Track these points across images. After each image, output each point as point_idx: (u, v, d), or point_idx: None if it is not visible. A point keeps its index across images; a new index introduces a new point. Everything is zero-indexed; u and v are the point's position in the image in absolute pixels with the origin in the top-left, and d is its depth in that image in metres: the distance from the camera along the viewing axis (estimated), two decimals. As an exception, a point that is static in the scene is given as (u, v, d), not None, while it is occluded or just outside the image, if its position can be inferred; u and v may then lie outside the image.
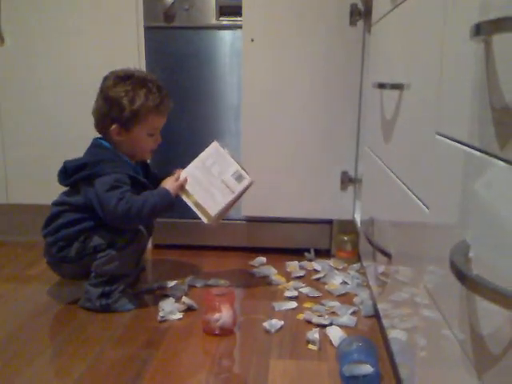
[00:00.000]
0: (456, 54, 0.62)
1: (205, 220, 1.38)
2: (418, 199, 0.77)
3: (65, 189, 1.41)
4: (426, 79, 0.77)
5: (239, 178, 1.39)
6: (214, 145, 1.43)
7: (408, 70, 0.90)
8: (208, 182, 1.39)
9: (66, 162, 1.38)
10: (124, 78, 1.37)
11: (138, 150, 1.42)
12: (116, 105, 1.35)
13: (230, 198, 1.38)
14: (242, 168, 1.40)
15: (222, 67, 1.73)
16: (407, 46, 0.92)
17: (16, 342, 1.20)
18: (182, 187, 1.39)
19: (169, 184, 1.38)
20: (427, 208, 0.72)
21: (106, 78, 1.39)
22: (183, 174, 1.41)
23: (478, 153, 0.53)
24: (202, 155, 1.42)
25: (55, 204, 1.40)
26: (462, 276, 0.44)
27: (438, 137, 0.67)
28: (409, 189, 0.84)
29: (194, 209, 1.38)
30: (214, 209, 1.37)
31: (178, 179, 1.39)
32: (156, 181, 1.45)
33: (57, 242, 1.35)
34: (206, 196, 1.38)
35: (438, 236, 0.66)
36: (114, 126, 1.36)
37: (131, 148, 1.41)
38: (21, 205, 1.88)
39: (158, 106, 1.38)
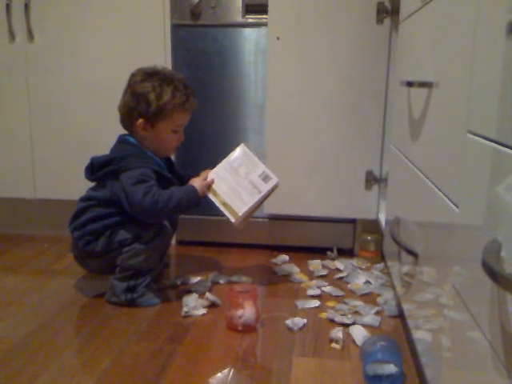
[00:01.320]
0: (488, 52, 0.61)
1: (232, 219, 1.39)
2: (447, 198, 0.76)
3: (91, 185, 1.44)
4: (456, 77, 0.76)
5: (266, 179, 1.40)
6: (241, 147, 1.45)
7: (437, 68, 0.89)
8: (235, 183, 1.40)
9: (92, 158, 1.41)
10: (151, 74, 1.39)
11: (161, 145, 1.44)
12: (143, 100, 1.37)
13: (257, 197, 1.39)
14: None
15: (246, 65, 1.73)
16: (436, 44, 0.91)
17: (43, 335, 1.23)
18: (209, 187, 1.40)
19: (196, 183, 1.39)
20: (457, 207, 0.71)
21: (133, 75, 1.42)
22: (211, 174, 1.42)
23: (509, 151, 0.52)
24: (230, 157, 1.44)
25: (82, 199, 1.42)
26: (495, 275, 0.44)
27: (468, 135, 0.66)
28: (437, 188, 0.83)
29: (222, 208, 1.39)
30: (241, 208, 1.38)
31: (205, 179, 1.40)
32: (181, 179, 1.47)
33: (83, 237, 1.37)
34: (233, 196, 1.39)
35: (468, 235, 0.66)
36: (140, 121, 1.38)
37: (155, 144, 1.42)
38: (48, 200, 1.91)
39: (184, 103, 1.40)
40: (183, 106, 1.40)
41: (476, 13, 0.66)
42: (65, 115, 1.83)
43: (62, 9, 1.76)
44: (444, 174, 0.81)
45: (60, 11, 1.77)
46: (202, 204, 1.40)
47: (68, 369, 1.09)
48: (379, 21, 1.57)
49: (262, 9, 1.64)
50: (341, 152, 1.66)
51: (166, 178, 1.41)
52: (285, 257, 1.74)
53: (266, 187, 1.40)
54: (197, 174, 1.46)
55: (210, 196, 1.40)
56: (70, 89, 1.81)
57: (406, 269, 1.12)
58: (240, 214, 1.38)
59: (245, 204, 1.39)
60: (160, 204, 1.31)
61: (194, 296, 1.40)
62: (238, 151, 1.45)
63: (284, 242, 1.82)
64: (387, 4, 1.55)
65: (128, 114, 1.40)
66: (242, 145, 1.46)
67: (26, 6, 1.76)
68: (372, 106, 1.62)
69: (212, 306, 1.37)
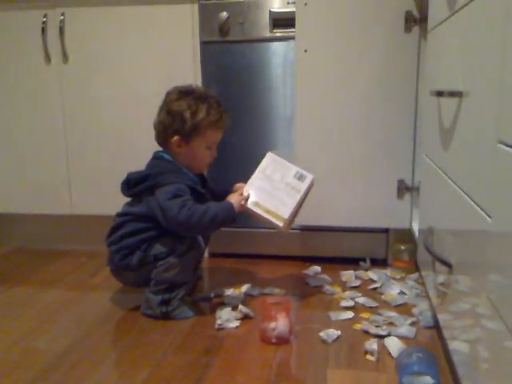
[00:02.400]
0: (518, 61, 0.61)
1: (279, 224, 1.38)
2: (480, 208, 0.76)
3: (126, 200, 1.47)
4: (485, 86, 0.76)
5: (301, 178, 1.43)
6: (269, 155, 1.48)
7: (467, 77, 0.89)
8: (273, 189, 1.42)
9: (129, 174, 1.45)
10: (187, 93, 1.43)
11: (195, 162, 1.47)
12: (178, 117, 1.40)
13: (298, 197, 1.41)
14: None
15: (275, 79, 1.75)
16: (466, 53, 0.91)
17: (81, 348, 1.26)
18: (246, 201, 1.41)
19: (233, 198, 1.41)
20: (489, 217, 0.71)
21: (169, 93, 1.46)
22: (247, 187, 1.43)
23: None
24: (261, 166, 1.46)
25: (119, 215, 1.46)
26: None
27: (499, 145, 0.66)
28: (470, 197, 0.83)
29: (267, 216, 1.39)
30: (286, 211, 1.39)
31: (241, 194, 1.42)
32: (215, 194, 1.50)
33: (120, 251, 1.41)
34: (275, 201, 1.40)
35: (502, 245, 0.65)
36: (175, 138, 1.41)
37: (189, 160, 1.45)
38: (84, 215, 1.97)
39: (218, 120, 1.43)
40: (217, 124, 1.44)
41: (505, 21, 0.66)
42: (99, 132, 1.89)
43: (94, 30, 1.82)
44: (476, 184, 0.80)
45: (92, 32, 1.83)
46: (238, 220, 1.41)
47: (106, 381, 1.11)
48: (407, 29, 1.57)
49: (289, 22, 1.66)
50: (372, 161, 1.66)
51: (201, 193, 1.44)
52: (317, 268, 1.73)
53: (303, 186, 1.43)
54: (231, 190, 1.47)
55: (252, 207, 1.40)
56: (104, 107, 1.86)
57: (440, 279, 1.10)
58: (286, 217, 1.39)
59: (288, 206, 1.40)
60: (195, 217, 1.33)
61: (227, 308, 1.41)
62: (266, 159, 1.47)
63: (316, 253, 1.82)
64: (415, 13, 1.55)
65: (163, 131, 1.44)
66: (270, 152, 1.48)
67: (61, 29, 1.82)
68: (402, 114, 1.61)
69: (245, 318, 1.38)
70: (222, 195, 1.46)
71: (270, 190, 1.42)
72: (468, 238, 0.86)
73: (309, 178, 1.44)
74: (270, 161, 1.47)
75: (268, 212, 1.39)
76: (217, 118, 1.43)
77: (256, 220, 1.43)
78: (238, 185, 1.47)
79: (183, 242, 1.39)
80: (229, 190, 1.47)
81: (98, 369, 1.16)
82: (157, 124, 1.46)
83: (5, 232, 2.12)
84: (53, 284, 1.68)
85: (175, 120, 1.41)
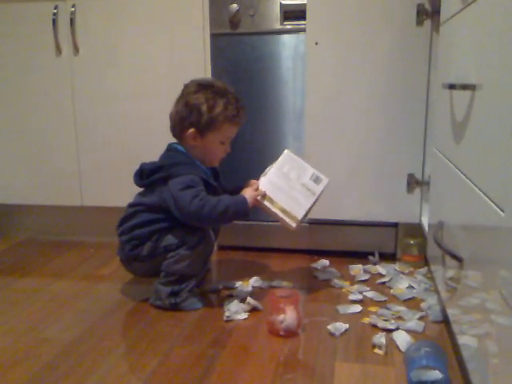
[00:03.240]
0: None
1: (292, 224, 1.39)
2: (492, 202, 0.75)
3: (136, 192, 1.48)
4: (499, 79, 0.75)
5: (317, 180, 1.43)
6: (287, 153, 1.47)
7: (480, 70, 0.88)
8: (289, 187, 1.42)
9: (142, 164, 1.46)
10: (205, 86, 1.43)
11: (208, 155, 1.47)
12: (195, 110, 1.40)
13: (313, 199, 1.42)
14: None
15: (285, 71, 1.74)
16: (479, 46, 0.90)
17: (91, 339, 1.27)
18: (262, 197, 1.41)
19: (247, 193, 1.40)
20: (502, 211, 0.70)
21: (187, 86, 1.46)
22: (263, 183, 1.43)
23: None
24: (278, 163, 1.46)
25: (131, 205, 1.47)
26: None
27: (513, 138, 0.65)
28: (482, 191, 0.82)
29: (281, 215, 1.40)
30: (299, 212, 1.40)
31: (256, 190, 1.41)
32: (226, 190, 1.50)
33: (130, 241, 1.41)
34: (289, 201, 1.41)
35: (515, 240, 0.64)
36: (191, 130, 1.42)
37: (203, 153, 1.46)
38: (94, 207, 1.98)
39: (235, 116, 1.43)
40: (233, 119, 1.43)
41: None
42: (109, 124, 1.89)
43: (105, 22, 1.82)
44: (488, 178, 0.80)
45: (103, 24, 1.83)
46: (250, 214, 1.41)
47: (115, 371, 1.12)
48: (419, 23, 1.55)
49: (300, 15, 1.65)
50: (381, 155, 1.65)
51: (212, 186, 1.44)
52: (325, 261, 1.73)
53: (319, 188, 1.43)
54: (244, 185, 1.47)
55: (267, 204, 1.41)
56: (114, 99, 1.87)
57: (450, 273, 1.10)
58: (299, 218, 1.39)
59: (302, 207, 1.40)
60: (207, 208, 1.33)
61: (236, 301, 1.42)
62: (284, 157, 1.47)
63: (324, 247, 1.82)
64: (427, 6, 1.54)
65: (179, 123, 1.44)
66: (287, 150, 1.48)
67: (71, 21, 1.82)
68: (413, 108, 1.60)
69: (253, 310, 1.39)
70: (234, 191, 1.46)
71: (286, 189, 1.42)
72: (479, 233, 0.85)
73: (324, 181, 1.44)
74: (287, 159, 1.46)
75: (283, 211, 1.40)
76: (234, 114, 1.42)
77: (267, 215, 1.43)
78: (253, 181, 1.46)
79: (194, 234, 1.39)
80: (241, 187, 1.46)
81: (106, 359, 1.17)
82: (173, 115, 1.45)
83: (15, 223, 2.14)
84: (62, 275, 1.69)
85: (192, 112, 1.41)
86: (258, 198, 1.40)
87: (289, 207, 1.40)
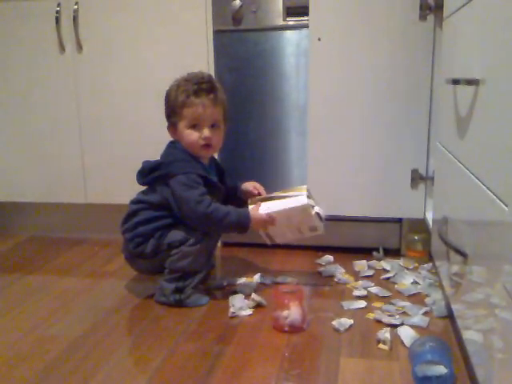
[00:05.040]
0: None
1: (268, 242, 1.51)
2: (496, 197, 0.75)
3: (140, 188, 1.48)
4: (503, 74, 0.75)
5: (313, 229, 1.46)
6: (305, 206, 1.41)
7: (484, 65, 0.87)
8: (286, 228, 1.46)
9: (143, 162, 1.46)
10: (182, 77, 1.45)
11: (188, 146, 1.44)
12: (165, 103, 1.45)
13: (298, 237, 1.50)
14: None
15: (288, 67, 1.74)
16: (483, 41, 0.89)
17: (96, 335, 1.27)
18: (270, 223, 1.43)
19: (257, 217, 1.40)
20: (506, 206, 0.70)
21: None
22: (271, 213, 1.42)
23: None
24: (291, 208, 1.41)
25: (133, 202, 1.47)
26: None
27: (517, 133, 0.65)
28: (486, 186, 0.82)
29: (262, 234, 1.47)
30: (280, 240, 1.51)
31: (268, 219, 1.41)
32: (229, 190, 1.53)
33: (134, 239, 1.42)
34: (278, 232, 1.47)
35: (519, 234, 0.64)
36: (167, 125, 1.46)
37: (185, 146, 1.44)
38: (98, 204, 1.98)
39: (187, 98, 1.40)
40: (187, 102, 1.40)
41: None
42: (113, 121, 1.89)
43: (108, 19, 1.83)
44: (492, 173, 0.80)
45: (106, 21, 1.83)
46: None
47: (121, 368, 1.13)
48: (422, 17, 1.55)
49: (303, 11, 1.64)
50: (385, 151, 1.65)
51: (212, 182, 1.44)
52: (329, 257, 1.73)
53: (309, 234, 1.49)
54: (245, 189, 1.52)
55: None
56: (118, 96, 1.87)
57: (455, 269, 1.10)
58: (277, 242, 1.51)
59: (285, 239, 1.50)
60: (213, 218, 1.36)
61: (240, 297, 1.42)
62: (300, 206, 1.41)
63: (329, 243, 1.81)
64: (430, 0, 1.53)
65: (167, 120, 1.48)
66: (307, 202, 1.40)
67: (74, 18, 1.83)
68: (417, 103, 1.60)
69: (258, 306, 1.39)
70: (233, 191, 1.51)
71: (282, 227, 1.45)
72: (484, 228, 0.85)
73: (319, 232, 1.47)
74: (302, 209, 1.41)
75: (267, 235, 1.48)
76: (184, 96, 1.40)
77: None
78: (254, 185, 1.50)
79: (197, 230, 1.39)
80: (240, 187, 1.51)
81: (112, 356, 1.17)
82: None
83: (20, 221, 2.14)
84: (67, 272, 1.70)
85: (164, 107, 1.45)
86: (264, 227, 1.43)
87: (274, 236, 1.48)
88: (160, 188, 1.41)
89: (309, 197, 1.43)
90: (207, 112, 1.41)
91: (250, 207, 1.44)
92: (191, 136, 1.42)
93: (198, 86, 1.41)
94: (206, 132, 1.42)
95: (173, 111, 1.42)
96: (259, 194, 1.52)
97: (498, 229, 0.74)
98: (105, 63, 1.86)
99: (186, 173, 1.38)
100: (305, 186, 1.48)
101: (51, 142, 1.96)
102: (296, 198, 1.43)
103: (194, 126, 1.42)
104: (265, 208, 1.43)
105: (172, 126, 1.45)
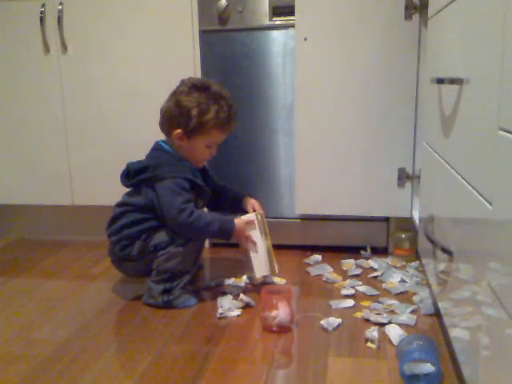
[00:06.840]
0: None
1: (265, 271, 1.50)
2: (480, 195, 0.76)
3: (126, 190, 1.47)
4: (486, 73, 0.75)
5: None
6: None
7: (467, 64, 0.88)
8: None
9: (128, 164, 1.45)
10: (200, 88, 1.40)
11: (193, 157, 1.46)
12: (185, 113, 1.38)
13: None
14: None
15: (275, 67, 1.74)
16: (466, 40, 0.90)
17: (83, 338, 1.26)
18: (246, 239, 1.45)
19: (241, 228, 1.42)
20: (490, 204, 0.71)
21: (183, 82, 1.44)
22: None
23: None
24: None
25: (118, 205, 1.46)
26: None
27: (500, 132, 0.66)
28: (470, 185, 0.83)
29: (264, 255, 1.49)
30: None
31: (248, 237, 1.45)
32: (215, 189, 1.54)
33: (120, 241, 1.41)
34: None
35: (503, 232, 0.65)
36: (178, 131, 1.40)
37: (188, 154, 1.45)
38: (85, 206, 1.97)
39: (224, 124, 1.42)
40: (223, 127, 1.42)
41: (506, 8, 0.65)
42: (99, 122, 1.88)
43: (93, 19, 1.81)
44: (476, 172, 0.80)
45: (91, 21, 1.82)
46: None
47: (109, 371, 1.12)
48: (408, 17, 1.56)
49: (289, 10, 1.65)
50: (372, 150, 1.65)
51: (199, 186, 1.44)
52: (317, 257, 1.74)
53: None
54: (243, 204, 1.54)
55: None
56: (103, 97, 1.86)
57: (441, 266, 1.11)
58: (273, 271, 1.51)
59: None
60: (194, 228, 1.36)
61: (229, 297, 1.42)
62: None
63: (316, 242, 1.82)
64: (416, 0, 1.54)
65: (168, 121, 1.43)
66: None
67: (59, 19, 1.81)
68: (403, 102, 1.61)
69: (246, 306, 1.39)
70: (234, 201, 1.54)
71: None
72: (469, 226, 0.86)
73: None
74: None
75: (268, 253, 1.49)
76: (224, 122, 1.41)
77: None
78: (255, 207, 1.53)
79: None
80: (243, 201, 1.54)
81: (99, 358, 1.17)
82: (164, 110, 1.44)
83: (6, 223, 2.12)
84: (54, 275, 1.68)
85: (182, 114, 1.39)
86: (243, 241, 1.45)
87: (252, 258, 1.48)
88: (145, 190, 1.40)
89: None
90: (224, 138, 1.48)
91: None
92: (205, 153, 1.46)
93: (233, 111, 1.44)
94: (215, 152, 1.48)
95: (200, 126, 1.39)
96: None
97: (483, 227, 0.75)
98: (90, 64, 1.85)
99: (173, 177, 1.37)
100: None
101: (37, 144, 1.94)
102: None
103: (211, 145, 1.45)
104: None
105: (185, 135, 1.41)
